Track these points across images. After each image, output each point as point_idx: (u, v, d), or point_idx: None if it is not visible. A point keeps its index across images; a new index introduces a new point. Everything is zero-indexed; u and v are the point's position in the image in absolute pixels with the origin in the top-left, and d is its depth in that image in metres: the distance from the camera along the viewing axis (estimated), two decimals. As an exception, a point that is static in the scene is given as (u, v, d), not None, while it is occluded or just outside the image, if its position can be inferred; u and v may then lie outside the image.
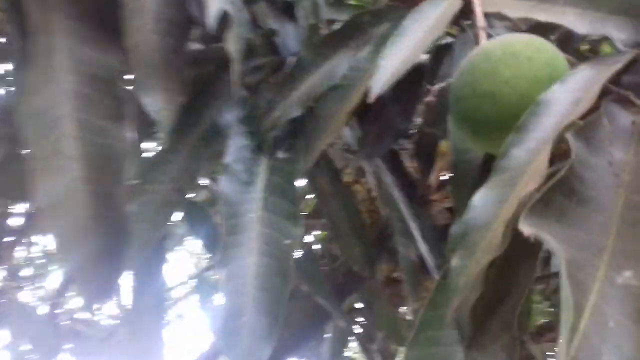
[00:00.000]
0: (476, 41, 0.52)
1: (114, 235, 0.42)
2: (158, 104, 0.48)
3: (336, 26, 0.86)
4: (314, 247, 1.05)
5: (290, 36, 0.65)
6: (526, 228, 0.27)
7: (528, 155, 0.32)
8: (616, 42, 0.46)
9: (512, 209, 0.29)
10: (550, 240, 0.26)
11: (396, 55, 0.45)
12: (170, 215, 0.53)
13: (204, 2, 0.47)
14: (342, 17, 0.81)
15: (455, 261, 0.31)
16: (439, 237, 0.54)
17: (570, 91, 0.34)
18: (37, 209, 0.42)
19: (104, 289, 0.40)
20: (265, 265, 0.47)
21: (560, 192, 0.28)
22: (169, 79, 0.49)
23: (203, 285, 1.26)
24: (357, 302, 0.95)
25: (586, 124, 0.32)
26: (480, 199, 0.32)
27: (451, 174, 0.44)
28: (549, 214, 0.27)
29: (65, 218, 0.41)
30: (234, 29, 0.53)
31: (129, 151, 0.44)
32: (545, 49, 0.39)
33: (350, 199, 0.72)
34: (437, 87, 0.42)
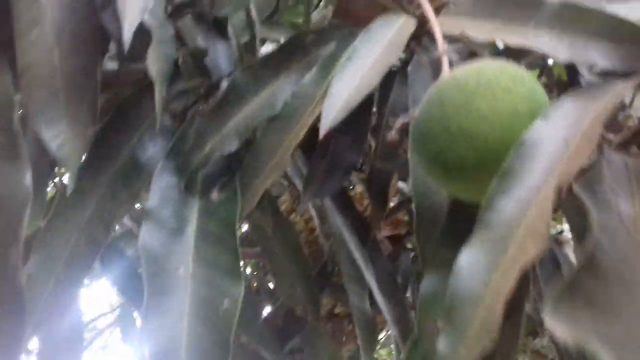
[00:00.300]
0: (433, 66, 0.47)
1: (9, 311, 0.33)
2: (61, 138, 0.39)
3: (270, 45, 0.81)
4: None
5: (221, 55, 0.58)
6: (559, 328, 0.21)
7: (518, 206, 0.26)
8: (583, 69, 0.42)
9: (508, 279, 0.24)
10: (599, 347, 0.20)
11: (348, 83, 0.39)
12: (84, 272, 0.43)
13: (118, 12, 0.39)
14: (275, 35, 0.75)
15: (442, 345, 0.25)
16: (395, 284, 0.49)
17: (557, 129, 0.29)
18: None
19: None
20: (199, 336, 0.39)
21: (587, 270, 0.23)
22: (76, 107, 0.40)
23: (125, 315, 1.16)
24: (297, 340, 0.88)
25: (591, 174, 0.27)
26: (467, 262, 0.26)
27: (413, 221, 0.39)
28: (579, 302, 0.22)
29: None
30: (157, 47, 0.45)
31: (26, 200, 0.35)
32: (522, 78, 0.34)
33: (291, 234, 0.65)
34: (399, 120, 0.36)
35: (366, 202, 0.87)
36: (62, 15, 0.40)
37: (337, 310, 0.88)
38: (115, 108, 0.49)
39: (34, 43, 0.39)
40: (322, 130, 0.38)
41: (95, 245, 0.44)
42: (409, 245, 0.86)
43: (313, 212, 0.71)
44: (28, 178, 0.36)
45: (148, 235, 0.43)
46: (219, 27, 0.59)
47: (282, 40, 0.77)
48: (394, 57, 0.40)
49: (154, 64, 0.44)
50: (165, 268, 0.41)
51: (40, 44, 0.39)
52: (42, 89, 0.39)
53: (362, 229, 0.50)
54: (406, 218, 0.90)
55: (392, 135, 0.35)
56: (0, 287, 0.33)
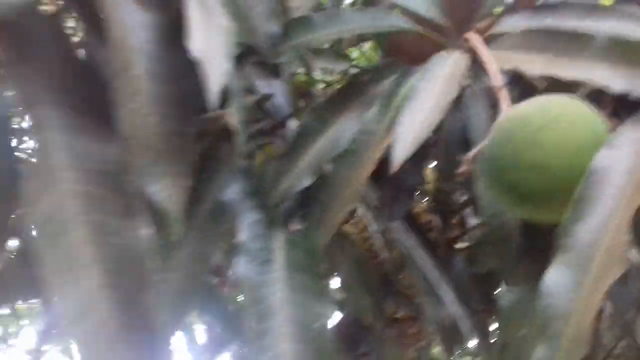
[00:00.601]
0: (487, 95, 0.51)
1: (146, 345, 0.39)
2: (165, 192, 0.45)
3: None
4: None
5: (280, 97, 0.63)
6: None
7: (594, 232, 0.31)
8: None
9: (594, 297, 0.28)
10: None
11: (413, 121, 0.44)
12: (189, 304, 0.49)
13: (203, 75, 0.45)
14: (322, 63, 0.81)
15: (539, 355, 0.30)
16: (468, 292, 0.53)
17: (622, 156, 0.33)
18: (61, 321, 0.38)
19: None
20: (301, 353, 0.44)
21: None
22: (174, 163, 0.45)
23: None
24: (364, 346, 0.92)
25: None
26: (553, 282, 0.31)
27: (485, 238, 0.43)
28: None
29: (90, 334, 0.38)
30: (234, 99, 0.51)
31: (147, 249, 0.41)
32: (583, 111, 0.38)
33: (352, 249, 0.70)
34: (469, 155, 0.40)
35: (418, 209, 0.92)
36: (156, 85, 0.46)
37: (399, 314, 0.92)
38: (197, 157, 0.54)
39: (134, 112, 0.45)
40: (394, 167, 0.43)
41: (197, 281, 0.50)
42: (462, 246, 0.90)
43: (371, 225, 0.75)
44: (145, 231, 0.42)
45: (243, 267, 0.48)
46: (275, 70, 0.64)
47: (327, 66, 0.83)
48: (453, 93, 0.45)
49: (234, 115, 0.49)
50: (262, 295, 0.47)
51: (139, 112, 0.45)
52: (145, 151, 0.45)
53: (429, 242, 0.55)
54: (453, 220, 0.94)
55: (464, 169, 0.40)
56: (138, 326, 0.39)
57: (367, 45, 1.26)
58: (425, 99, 0.45)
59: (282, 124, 0.60)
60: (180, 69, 0.47)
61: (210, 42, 0.46)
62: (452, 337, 0.54)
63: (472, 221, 0.73)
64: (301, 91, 0.75)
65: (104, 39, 0.46)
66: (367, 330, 0.81)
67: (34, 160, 0.42)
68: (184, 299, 0.49)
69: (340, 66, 0.79)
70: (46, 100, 0.42)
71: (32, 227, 0.39)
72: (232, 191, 0.54)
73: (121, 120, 0.45)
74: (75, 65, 0.46)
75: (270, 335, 0.45)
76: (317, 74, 1.11)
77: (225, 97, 0.51)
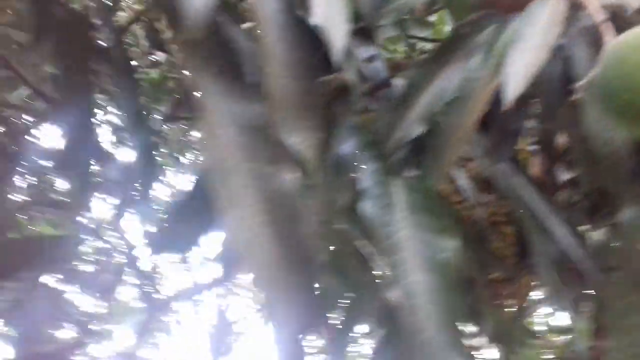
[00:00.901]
0: (584, 35, 0.55)
1: (300, 272, 0.45)
2: (304, 143, 0.51)
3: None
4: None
5: (378, 60, 0.69)
6: None
7: None
8: None
9: None
10: None
11: (521, 61, 0.48)
12: (321, 247, 0.55)
13: (329, 39, 0.51)
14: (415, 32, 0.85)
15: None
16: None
17: None
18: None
19: (312, 323, 0.43)
20: (429, 281, 0.50)
21: None
22: (307, 118, 0.52)
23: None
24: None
25: None
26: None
27: (597, 166, 0.47)
28: None
29: (259, 263, 0.44)
30: (352, 61, 0.56)
31: (295, 192, 0.47)
32: None
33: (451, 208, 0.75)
34: (580, 84, 0.44)
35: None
36: (286, 50, 0.52)
37: (493, 276, 0.95)
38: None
39: (270, 74, 0.51)
40: (508, 104, 0.47)
41: (329, 226, 0.56)
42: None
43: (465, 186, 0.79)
44: (292, 176, 0.48)
45: (368, 210, 0.54)
46: (370, 36, 0.69)
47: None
48: (555, 34, 0.48)
49: (350, 75, 0.55)
50: (389, 233, 0.53)
51: (275, 74, 0.51)
52: (283, 107, 0.51)
53: (535, 182, 0.59)
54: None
55: (578, 96, 0.44)
56: (293, 256, 0.46)
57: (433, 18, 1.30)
58: (530, 40, 0.49)
59: (382, 85, 0.65)
60: (304, 35, 0.54)
61: (330, 9, 0.52)
62: (565, 271, 0.57)
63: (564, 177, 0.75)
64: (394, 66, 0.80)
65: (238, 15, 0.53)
66: (466, 289, 0.85)
67: (199, 119, 0.49)
68: (317, 242, 0.56)
69: (424, 33, 0.84)
70: (206, 71, 0.50)
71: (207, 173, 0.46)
72: (350, 145, 0.60)
73: (262, 82, 0.52)
74: (218, 40, 0.53)
75: (400, 267, 0.51)
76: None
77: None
